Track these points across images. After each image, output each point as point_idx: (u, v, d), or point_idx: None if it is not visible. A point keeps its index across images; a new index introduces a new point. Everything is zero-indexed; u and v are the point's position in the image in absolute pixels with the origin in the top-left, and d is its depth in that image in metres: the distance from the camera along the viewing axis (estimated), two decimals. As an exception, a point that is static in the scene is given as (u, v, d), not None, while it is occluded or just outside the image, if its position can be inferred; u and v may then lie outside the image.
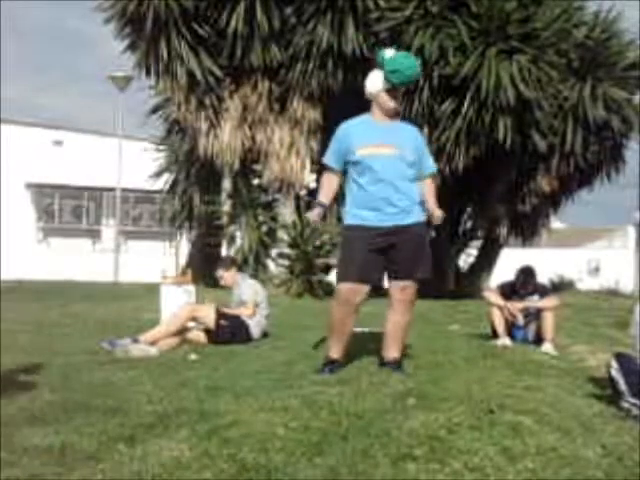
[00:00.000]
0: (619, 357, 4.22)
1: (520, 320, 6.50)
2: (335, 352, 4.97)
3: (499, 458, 3.02)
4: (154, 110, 16.93)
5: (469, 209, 15.94)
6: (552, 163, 14.41)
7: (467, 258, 16.71)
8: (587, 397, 4.35)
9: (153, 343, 6.15)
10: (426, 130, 12.87)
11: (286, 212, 13.81)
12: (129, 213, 28.22)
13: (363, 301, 4.95)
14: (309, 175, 13.51)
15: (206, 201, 15.45)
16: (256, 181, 14.56)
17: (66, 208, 28.29)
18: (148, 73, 13.63)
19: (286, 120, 13.50)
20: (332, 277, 11.22)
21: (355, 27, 12.43)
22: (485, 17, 12.23)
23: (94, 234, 28.57)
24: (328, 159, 5.11)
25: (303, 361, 5.32)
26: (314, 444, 3.16)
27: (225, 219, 14.32)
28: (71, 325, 8.33)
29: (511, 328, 6.55)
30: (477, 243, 16.54)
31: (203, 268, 14.78)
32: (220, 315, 6.56)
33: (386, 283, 5.07)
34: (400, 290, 4.93)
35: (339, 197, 5.63)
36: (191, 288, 7.90)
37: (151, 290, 10.11)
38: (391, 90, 4.92)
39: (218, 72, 13.17)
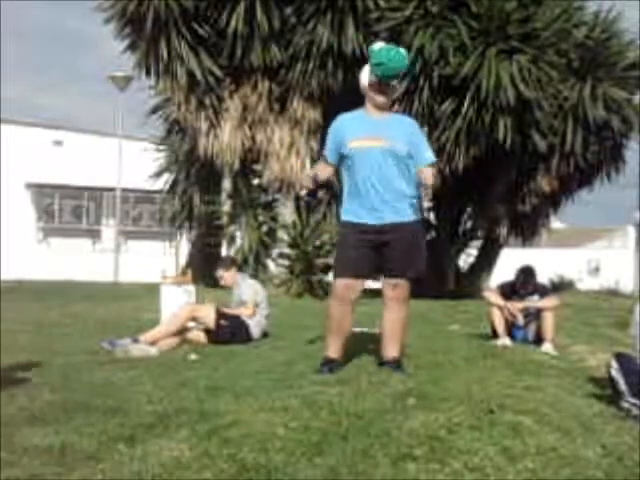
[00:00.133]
0: (619, 357, 4.22)
1: (520, 320, 6.50)
2: (333, 351, 4.96)
3: (499, 458, 3.02)
4: (154, 110, 16.94)
5: (469, 209, 15.94)
6: (552, 163, 14.41)
7: (467, 258, 16.70)
8: (587, 397, 4.35)
9: (153, 343, 6.15)
10: (426, 130, 12.88)
11: (286, 212, 13.81)
12: (129, 213, 28.22)
13: (359, 298, 4.95)
14: (309, 175, 13.49)
15: (206, 201, 15.46)
16: (256, 181, 14.57)
17: (66, 208, 28.30)
18: (148, 73, 13.63)
19: (286, 120, 13.50)
20: (332, 277, 11.23)
21: (355, 27, 12.43)
22: (485, 17, 12.23)
23: (94, 234, 28.58)
24: (325, 152, 5.14)
25: (303, 361, 5.32)
26: (314, 444, 3.16)
27: (225, 219, 14.32)
28: (71, 325, 8.34)
29: (511, 328, 6.55)
30: (477, 243, 16.53)
31: (203, 268, 14.79)
32: (220, 315, 6.56)
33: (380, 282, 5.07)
34: (392, 288, 4.92)
35: (338, 196, 5.65)
36: (191, 288, 7.90)
37: (151, 290, 10.11)
38: (379, 83, 4.87)
39: (218, 72, 13.17)
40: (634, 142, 15.07)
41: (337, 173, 5.21)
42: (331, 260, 12.48)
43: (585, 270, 34.84)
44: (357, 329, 6.22)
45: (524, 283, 6.52)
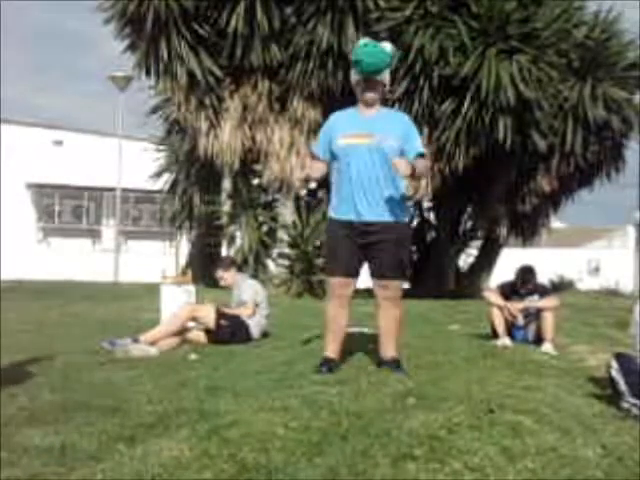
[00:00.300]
0: (619, 357, 4.22)
1: (520, 320, 6.50)
2: (332, 351, 4.96)
3: (499, 458, 3.02)
4: (154, 110, 16.93)
5: (469, 209, 15.93)
6: (552, 163, 14.41)
7: (467, 258, 16.70)
8: (587, 397, 4.35)
9: (153, 343, 6.16)
10: (426, 130, 12.88)
11: (286, 212, 13.80)
12: (129, 213, 28.22)
13: (354, 297, 4.97)
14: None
15: (206, 201, 15.46)
16: (256, 181, 14.56)
17: (66, 208, 28.30)
18: (148, 73, 13.62)
19: (286, 120, 13.50)
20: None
21: (355, 27, 12.42)
22: (485, 17, 12.23)
23: (94, 234, 28.59)
24: (313, 147, 5.16)
25: (303, 361, 5.32)
26: (314, 444, 3.16)
27: (225, 219, 14.32)
28: (71, 325, 8.34)
29: (511, 328, 6.54)
30: (477, 243, 16.53)
31: (203, 268, 14.82)
32: (220, 315, 6.57)
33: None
34: (382, 289, 4.91)
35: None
36: (191, 288, 7.90)
37: (151, 290, 10.12)
38: (364, 80, 4.86)
39: (218, 72, 13.16)
40: (634, 142, 15.10)
41: None
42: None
43: (585, 270, 34.85)
44: (357, 329, 6.23)
45: (524, 282, 6.52)
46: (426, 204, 15.74)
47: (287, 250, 13.40)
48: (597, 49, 13.83)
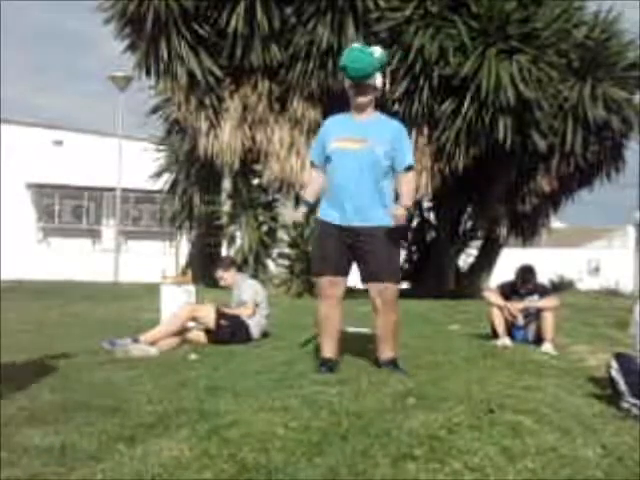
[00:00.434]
0: (619, 357, 4.22)
1: (520, 320, 6.50)
2: (328, 351, 4.97)
3: (499, 458, 3.02)
4: (154, 110, 16.93)
5: (469, 209, 15.93)
6: (552, 163, 14.41)
7: (467, 258, 16.69)
8: (587, 397, 4.35)
9: (153, 343, 6.16)
10: (426, 130, 12.89)
11: (286, 212, 13.80)
12: (129, 213, 28.21)
13: (343, 294, 4.97)
14: (309, 175, 13.50)
15: (206, 201, 15.46)
16: (256, 181, 14.56)
17: (66, 208, 28.29)
18: (148, 73, 13.62)
19: (286, 120, 13.50)
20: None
21: (355, 27, 12.42)
22: (485, 17, 12.23)
23: (94, 234, 28.58)
24: (311, 154, 5.16)
25: (303, 361, 5.32)
26: (314, 444, 3.16)
27: (225, 219, 14.32)
28: (71, 325, 8.34)
29: (511, 328, 6.55)
30: (477, 243, 16.53)
31: (203, 268, 14.81)
32: (220, 315, 6.57)
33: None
34: (377, 294, 4.89)
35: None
36: (191, 288, 7.91)
37: (151, 290, 10.12)
38: (354, 85, 4.87)
39: (218, 72, 13.16)
40: (634, 142, 15.08)
41: None
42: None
43: (585, 270, 34.85)
44: (357, 329, 6.23)
45: (524, 281, 6.52)
46: (426, 204, 15.74)
47: (287, 250, 13.40)
48: (597, 49, 13.82)
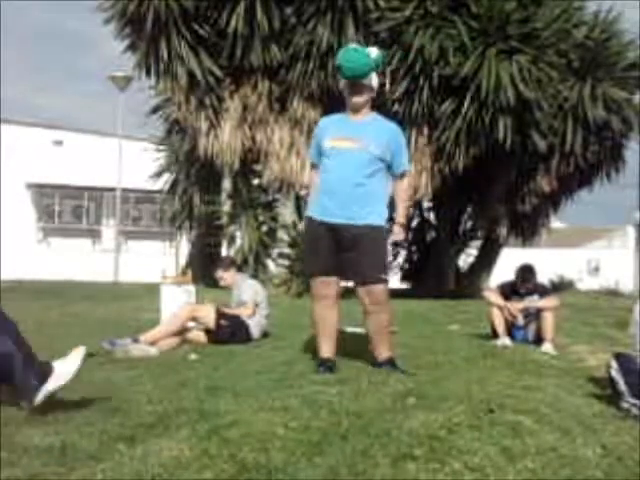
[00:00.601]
0: (619, 357, 4.22)
1: (520, 320, 6.50)
2: (326, 351, 4.96)
3: (499, 458, 3.02)
4: (154, 110, 16.93)
5: (469, 209, 15.94)
6: (552, 163, 14.40)
7: (467, 258, 16.69)
8: (587, 397, 4.35)
9: (153, 343, 6.16)
10: (426, 130, 12.89)
11: (286, 212, 13.80)
12: (129, 213, 28.22)
13: (339, 294, 4.96)
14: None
15: (206, 201, 15.46)
16: (256, 181, 14.56)
17: (66, 208, 28.29)
18: (148, 73, 13.62)
19: (286, 120, 13.50)
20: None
21: (355, 27, 12.42)
22: (485, 17, 12.23)
23: (94, 234, 28.58)
24: (310, 156, 5.18)
25: (303, 361, 5.32)
26: (314, 444, 3.16)
27: (225, 219, 14.32)
28: (71, 325, 8.34)
29: (511, 328, 6.55)
30: (477, 243, 16.53)
31: (203, 268, 14.81)
32: (220, 315, 6.57)
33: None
34: (366, 295, 4.87)
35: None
36: (191, 288, 7.91)
37: (151, 290, 10.11)
38: (350, 85, 4.88)
39: (218, 72, 13.16)
40: (634, 142, 15.07)
41: None
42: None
43: (585, 270, 34.85)
44: (356, 329, 6.23)
45: (524, 280, 6.53)
46: (426, 204, 15.74)
47: (287, 250, 13.40)
48: (597, 49, 13.82)
